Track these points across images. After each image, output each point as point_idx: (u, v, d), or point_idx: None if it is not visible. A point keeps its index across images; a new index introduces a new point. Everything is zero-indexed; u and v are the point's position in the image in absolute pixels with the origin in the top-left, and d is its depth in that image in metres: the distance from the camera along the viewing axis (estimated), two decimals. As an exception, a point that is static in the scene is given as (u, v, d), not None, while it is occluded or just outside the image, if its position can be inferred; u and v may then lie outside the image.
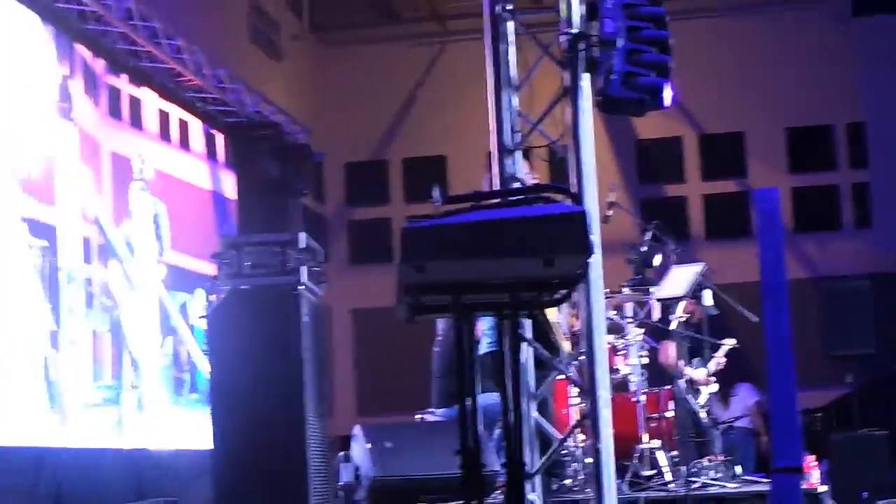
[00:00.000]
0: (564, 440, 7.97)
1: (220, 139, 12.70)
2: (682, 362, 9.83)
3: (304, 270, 7.57)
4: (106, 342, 9.47)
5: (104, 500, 8.86)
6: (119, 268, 9.70)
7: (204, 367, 10.49)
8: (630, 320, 10.87)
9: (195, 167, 11.82)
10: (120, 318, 9.61)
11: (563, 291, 5.39)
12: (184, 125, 11.80)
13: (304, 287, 7.56)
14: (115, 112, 10.38)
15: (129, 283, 9.91)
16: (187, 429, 10.48)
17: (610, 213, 10.99)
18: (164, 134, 11.39)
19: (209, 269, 10.74)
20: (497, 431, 8.95)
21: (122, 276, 9.72)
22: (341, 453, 9.33)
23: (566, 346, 8.91)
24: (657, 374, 11.23)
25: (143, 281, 10.10)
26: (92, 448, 9.24)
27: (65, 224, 9.08)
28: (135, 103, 10.84)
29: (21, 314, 8.37)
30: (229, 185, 12.62)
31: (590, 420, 6.80)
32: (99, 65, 10.17)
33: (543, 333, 8.75)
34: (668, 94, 6.52)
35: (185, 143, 11.81)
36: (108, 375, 9.41)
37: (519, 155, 7.00)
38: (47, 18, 9.31)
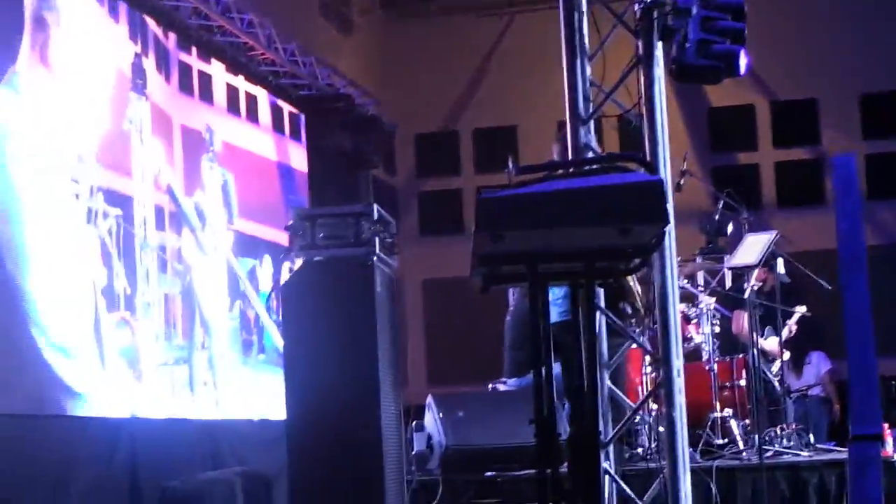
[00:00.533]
0: (638, 409, 7.98)
1: (286, 112, 12.78)
2: (754, 332, 9.77)
3: (377, 241, 7.59)
4: (178, 305, 9.64)
5: (180, 470, 8.94)
6: (190, 235, 9.88)
7: (272, 329, 10.78)
8: (702, 289, 10.85)
9: (261, 139, 11.95)
10: (192, 283, 9.79)
11: (638, 260, 5.38)
12: (251, 98, 11.90)
13: (377, 258, 7.58)
14: (185, 87, 10.52)
15: (200, 250, 10.08)
16: (255, 388, 10.66)
17: (682, 181, 10.95)
18: (233, 107, 11.52)
19: (276, 236, 11.22)
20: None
21: (194, 243, 9.91)
22: (414, 423, 9.38)
23: (643, 312, 8.89)
24: (729, 342, 11.20)
25: (213, 247, 10.27)
26: (167, 418, 9.34)
27: (140, 193, 9.27)
28: (204, 78, 10.96)
29: (97, 278, 8.50)
30: (295, 156, 12.73)
31: (663, 389, 6.79)
32: (170, 41, 10.28)
33: (620, 301, 8.76)
34: (743, 62, 6.48)
35: (252, 116, 11.91)
36: (180, 336, 9.58)
37: (591, 124, 6.98)
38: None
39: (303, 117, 13.23)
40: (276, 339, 10.73)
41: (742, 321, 11.06)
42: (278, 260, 11.13)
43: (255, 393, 10.65)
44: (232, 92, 11.51)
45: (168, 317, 9.46)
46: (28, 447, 7.56)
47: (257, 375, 10.74)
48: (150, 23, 9.90)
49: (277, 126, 12.41)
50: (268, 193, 11.83)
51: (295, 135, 12.85)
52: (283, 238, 11.01)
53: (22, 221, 7.79)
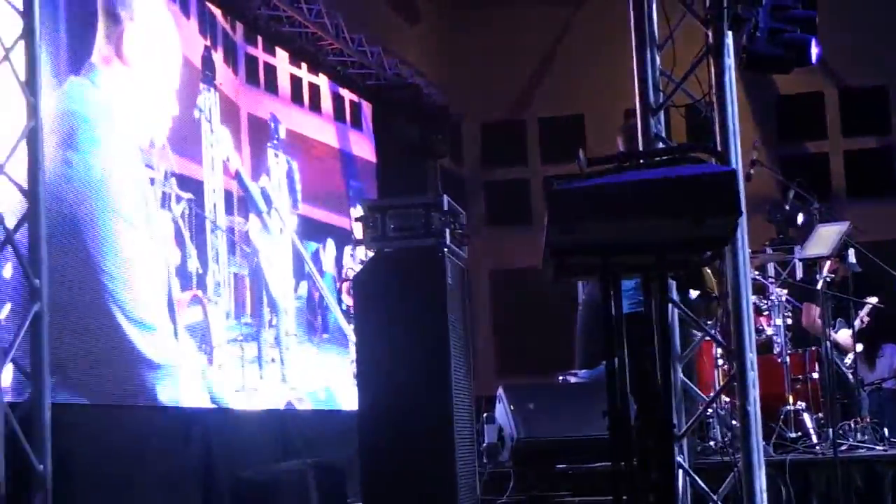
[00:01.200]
0: (712, 402, 7.92)
1: (347, 101, 12.88)
2: (824, 323, 9.68)
3: (447, 232, 7.60)
4: (247, 285, 9.83)
5: (253, 460, 9.00)
6: (257, 218, 10.11)
7: (336, 310, 11.02)
8: (773, 280, 10.75)
9: (324, 127, 12.14)
10: (259, 264, 10.00)
11: (711, 252, 5.35)
12: (314, 88, 12.05)
13: (447, 249, 7.59)
14: (251, 78, 10.75)
15: (267, 232, 10.26)
16: (320, 366, 10.89)
17: (752, 171, 10.85)
18: (296, 97, 11.69)
19: (338, 220, 11.69)
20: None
21: (260, 226, 10.12)
22: (485, 415, 9.38)
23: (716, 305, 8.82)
24: (801, 334, 11.10)
25: (279, 230, 10.47)
26: (240, 409, 9.42)
27: (210, 179, 9.53)
28: (269, 69, 11.18)
29: (171, 259, 8.73)
30: (356, 145, 12.86)
31: (736, 381, 6.73)
32: (238, 34, 10.46)
33: (693, 288, 8.70)
34: (814, 51, 6.40)
35: (314, 105, 12.06)
36: (248, 315, 9.75)
37: (661, 115, 6.92)
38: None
39: (365, 106, 13.32)
40: (340, 320, 11.04)
41: (812, 314, 10.96)
42: (341, 244, 11.48)
43: (319, 370, 10.88)
44: (295, 82, 11.70)
45: (237, 296, 9.65)
46: (106, 436, 7.65)
47: (322, 354, 10.95)
48: (219, 18, 10.09)
49: (339, 115, 12.57)
50: (330, 180, 12.05)
51: (356, 123, 12.99)
52: (344, 223, 11.71)
53: (104, 203, 8.00)
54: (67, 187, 7.64)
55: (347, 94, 12.94)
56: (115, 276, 8.01)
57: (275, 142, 10.90)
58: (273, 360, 10.10)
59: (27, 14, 6.14)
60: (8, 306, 6.64)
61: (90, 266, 7.80)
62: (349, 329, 10.86)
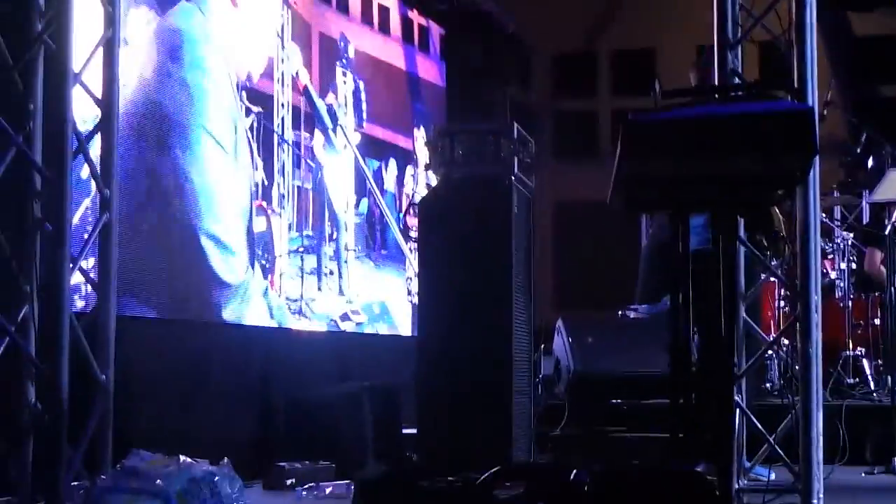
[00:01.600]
0: (774, 343, 7.87)
1: (416, 24, 12.84)
2: (889, 269, 9.58)
3: (515, 161, 7.56)
4: (310, 199, 9.89)
5: (309, 380, 9.05)
6: (321, 135, 10.17)
7: (394, 227, 11.10)
8: (839, 224, 10.67)
9: (392, 49, 12.13)
10: (322, 179, 10.05)
11: (782, 191, 5.29)
12: (383, 10, 12.05)
13: (514, 178, 7.55)
14: (324, -3, 10.78)
15: (332, 148, 10.31)
16: (377, 280, 10.93)
17: (825, 111, 10.72)
18: (366, 18, 11.68)
19: (401, 141, 11.64)
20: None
21: (324, 142, 10.18)
22: (542, 346, 9.37)
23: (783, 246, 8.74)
24: (864, 279, 11.01)
25: (343, 146, 10.52)
26: (299, 329, 9.47)
27: (278, 93, 9.57)
28: (341, -11, 11.22)
29: (240, 169, 8.78)
30: (423, 68, 12.84)
31: (799, 323, 6.67)
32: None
33: (761, 230, 8.62)
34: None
35: (384, 27, 12.06)
36: (310, 227, 9.85)
37: (739, 49, 6.83)
38: None
39: (434, 30, 13.26)
40: (399, 239, 11.11)
41: (875, 259, 10.86)
42: (403, 164, 11.51)
43: (376, 284, 10.93)
44: (366, 3, 11.70)
45: (300, 209, 9.75)
46: (168, 350, 7.73)
47: (379, 270, 11.06)
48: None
49: (407, 37, 12.55)
50: (396, 101, 12.05)
51: (424, 47, 12.97)
52: (408, 144, 11.70)
53: (197, 121, 8.17)
54: (165, 96, 7.83)
55: (417, 18, 12.90)
56: (199, 190, 8.17)
57: (343, 61, 10.93)
58: (331, 272, 10.14)
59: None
60: (81, 213, 6.69)
61: (179, 176, 7.98)
62: (406, 248, 11.06)
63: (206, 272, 8.27)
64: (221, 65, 8.58)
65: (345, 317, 10.30)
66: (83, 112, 6.14)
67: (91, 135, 6.10)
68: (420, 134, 11.88)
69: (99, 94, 6.08)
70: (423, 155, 11.42)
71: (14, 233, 5.80)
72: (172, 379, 7.70)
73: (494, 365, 7.41)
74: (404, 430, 8.61)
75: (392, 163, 11.44)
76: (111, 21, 6.08)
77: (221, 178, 8.42)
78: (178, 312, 7.98)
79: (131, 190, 7.37)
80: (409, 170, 11.66)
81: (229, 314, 8.50)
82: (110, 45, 6.09)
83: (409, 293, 11.19)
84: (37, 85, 5.87)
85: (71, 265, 5.80)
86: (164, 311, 7.81)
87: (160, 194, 7.80)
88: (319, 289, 9.94)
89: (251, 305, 8.80)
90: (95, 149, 6.18)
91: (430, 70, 13.07)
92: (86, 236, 6.16)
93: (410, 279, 11.17)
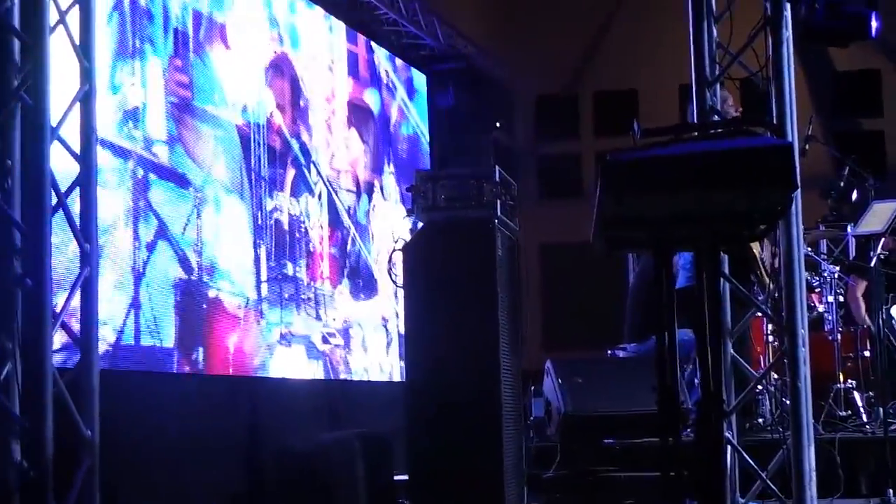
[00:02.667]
0: (762, 378, 7.85)
1: (402, 70, 12.93)
2: (875, 301, 9.57)
3: (498, 204, 7.56)
4: (285, 229, 9.98)
5: (298, 430, 9.02)
6: (294, 170, 10.29)
7: (366, 256, 11.41)
8: (825, 257, 10.67)
9: (369, 93, 12.17)
10: (298, 211, 10.26)
11: (764, 226, 5.28)
12: (366, 55, 12.17)
13: (498, 221, 7.55)
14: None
15: (306, 183, 10.47)
16: (350, 307, 11.02)
17: (807, 146, 10.74)
18: (352, 66, 11.77)
19: (375, 179, 11.90)
20: (689, 368, 8.88)
21: (299, 176, 10.39)
22: (532, 388, 9.34)
23: (768, 281, 8.75)
24: (852, 312, 11.01)
25: (316, 182, 10.64)
26: (286, 378, 9.44)
27: (254, 132, 9.72)
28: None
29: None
30: (400, 110, 12.94)
31: (787, 358, 6.67)
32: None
33: (745, 269, 8.63)
34: (874, 24, 6.32)
35: (361, 71, 12.17)
36: (287, 256, 9.96)
37: (717, 87, 6.85)
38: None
39: (418, 76, 13.35)
40: (371, 266, 11.44)
41: (856, 292, 10.85)
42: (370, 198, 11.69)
43: (350, 310, 11.03)
44: (351, 54, 11.77)
45: (278, 238, 9.88)
46: (152, 401, 7.69)
47: (354, 296, 11.19)
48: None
49: (382, 81, 12.61)
50: (368, 140, 12.07)
51: (403, 91, 13.11)
52: (377, 180, 11.90)
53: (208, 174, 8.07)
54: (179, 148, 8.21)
55: (400, 64, 12.98)
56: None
57: (316, 102, 10.99)
58: (309, 298, 10.20)
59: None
60: (60, 270, 6.67)
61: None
62: (380, 277, 11.29)
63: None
64: (227, 108, 8.90)
65: (324, 339, 10.38)
66: (62, 167, 6.12)
67: (70, 190, 6.08)
68: (389, 170, 12.07)
69: (77, 149, 6.06)
70: (392, 191, 11.87)
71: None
72: (158, 432, 7.65)
73: (483, 409, 7.39)
74: (396, 477, 8.56)
75: (364, 198, 11.53)
76: (88, 75, 6.08)
77: (228, 220, 8.74)
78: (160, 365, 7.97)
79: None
80: (379, 204, 11.81)
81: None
82: (88, 100, 6.09)
83: (384, 319, 11.43)
84: (14, 141, 5.86)
85: (53, 321, 5.76)
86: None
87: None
88: (297, 314, 9.96)
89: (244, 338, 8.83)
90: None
91: (412, 114, 13.13)
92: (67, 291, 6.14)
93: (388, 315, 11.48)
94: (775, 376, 9.14)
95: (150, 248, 8.07)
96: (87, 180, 6.08)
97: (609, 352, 10.06)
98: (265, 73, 9.86)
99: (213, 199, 8.85)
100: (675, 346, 4.98)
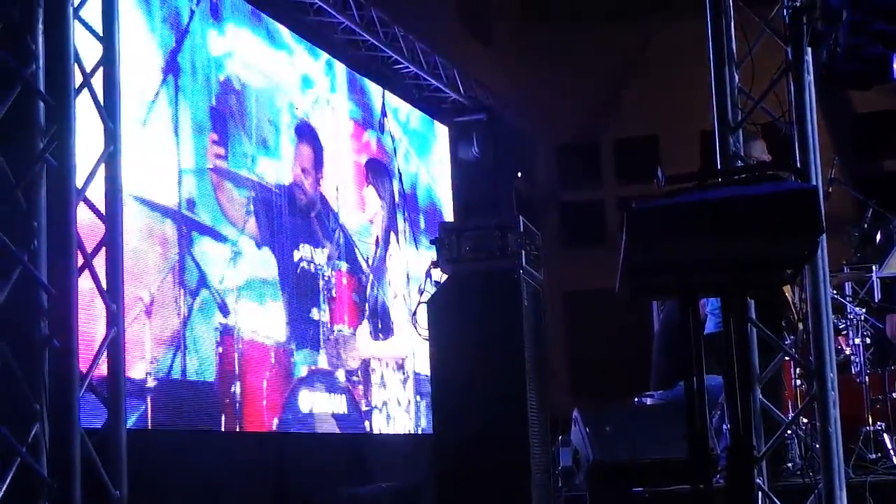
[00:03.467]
0: (792, 423, 7.81)
1: (421, 123, 13.04)
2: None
3: (523, 255, 7.56)
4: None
5: (326, 484, 9.00)
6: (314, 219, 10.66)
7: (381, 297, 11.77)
8: (850, 299, 10.63)
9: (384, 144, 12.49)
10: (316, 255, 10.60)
11: (791, 271, 5.27)
12: (389, 111, 12.35)
13: (523, 271, 7.54)
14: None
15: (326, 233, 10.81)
16: (372, 347, 11.35)
17: (830, 189, 10.73)
18: (370, 125, 11.94)
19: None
20: (717, 414, 8.83)
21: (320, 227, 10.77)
22: (560, 437, 9.31)
23: (801, 326, 8.71)
24: (881, 353, 10.95)
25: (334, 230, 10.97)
26: (313, 433, 9.44)
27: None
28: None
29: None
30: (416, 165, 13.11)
31: (816, 402, 6.63)
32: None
33: (777, 314, 8.59)
34: (896, 67, 6.31)
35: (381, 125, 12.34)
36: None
37: (740, 133, 6.84)
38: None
39: (436, 128, 13.46)
40: (389, 308, 11.83)
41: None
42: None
43: (371, 350, 11.36)
44: (364, 106, 12.02)
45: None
46: (180, 459, 7.68)
47: (376, 338, 11.54)
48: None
49: (405, 139, 12.83)
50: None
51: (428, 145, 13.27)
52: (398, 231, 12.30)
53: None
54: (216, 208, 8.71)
55: (420, 117, 13.10)
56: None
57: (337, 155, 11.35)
58: (331, 339, 10.51)
59: (107, 39, 6.17)
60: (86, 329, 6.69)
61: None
62: (396, 319, 11.78)
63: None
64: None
65: (347, 376, 10.69)
66: (87, 226, 6.15)
67: (96, 250, 6.10)
68: (404, 218, 12.45)
69: (102, 209, 6.08)
70: (407, 237, 12.33)
71: (22, 351, 5.78)
72: (187, 489, 7.64)
73: (512, 459, 7.37)
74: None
75: (381, 246, 11.85)
76: (112, 136, 6.10)
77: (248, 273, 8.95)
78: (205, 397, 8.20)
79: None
80: (395, 252, 12.13)
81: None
82: (113, 160, 6.11)
83: (401, 358, 11.85)
84: (40, 202, 5.88)
85: (80, 382, 5.77)
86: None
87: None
88: (322, 353, 10.34)
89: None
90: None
91: (424, 165, 13.26)
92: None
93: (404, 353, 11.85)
94: (804, 420, 9.09)
95: (194, 295, 8.64)
96: (112, 240, 6.10)
97: (636, 399, 10.02)
98: (293, 136, 10.30)
99: (246, 251, 9.32)
100: (703, 392, 4.96)
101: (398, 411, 11.58)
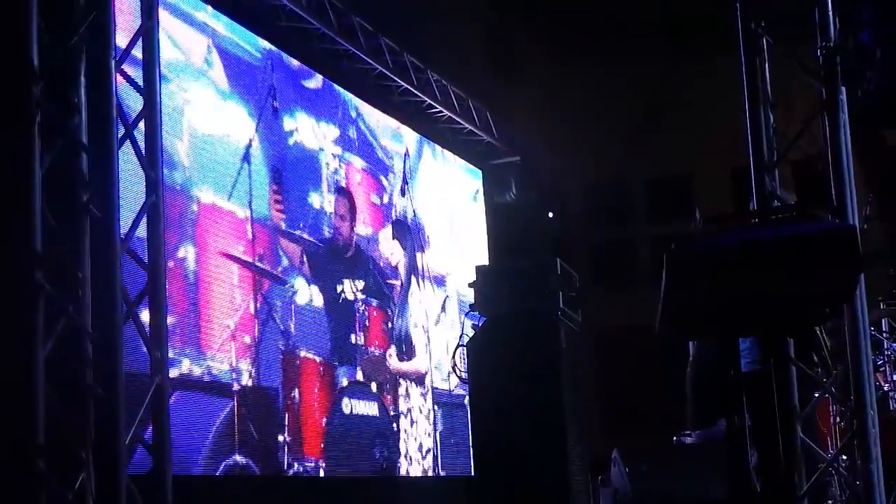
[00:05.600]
0: (834, 460, 7.79)
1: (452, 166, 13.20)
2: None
3: (560, 296, 7.59)
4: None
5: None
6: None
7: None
8: (887, 335, 10.61)
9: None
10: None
11: (829, 309, 5.29)
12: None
13: (561, 312, 7.57)
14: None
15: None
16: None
17: (865, 226, 10.71)
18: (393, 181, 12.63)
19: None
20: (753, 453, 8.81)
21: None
22: (599, 478, 9.30)
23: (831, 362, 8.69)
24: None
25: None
26: (350, 477, 9.50)
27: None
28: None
29: None
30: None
31: (857, 440, 6.61)
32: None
33: (807, 350, 8.57)
34: (930, 104, 6.32)
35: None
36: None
37: (777, 172, 6.85)
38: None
39: (469, 171, 13.61)
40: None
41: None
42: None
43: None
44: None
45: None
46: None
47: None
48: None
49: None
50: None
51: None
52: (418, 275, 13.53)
53: None
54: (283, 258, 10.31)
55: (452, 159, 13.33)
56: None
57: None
58: (366, 358, 11.99)
59: (149, 91, 6.25)
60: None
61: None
62: (417, 344, 13.10)
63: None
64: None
65: (379, 387, 12.12)
66: (131, 274, 6.21)
67: (138, 298, 6.16)
68: (424, 262, 13.55)
69: (145, 259, 6.14)
70: (426, 279, 13.42)
71: (68, 399, 5.82)
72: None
73: (553, 501, 7.37)
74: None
75: (404, 286, 13.14)
76: (154, 186, 6.17)
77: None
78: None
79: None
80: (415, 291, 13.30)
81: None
82: (155, 210, 6.17)
83: (422, 374, 13.15)
84: (84, 253, 5.94)
85: (126, 430, 5.81)
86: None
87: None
88: (359, 368, 11.81)
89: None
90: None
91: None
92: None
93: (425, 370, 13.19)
94: (843, 457, 9.06)
95: (264, 324, 10.07)
96: (155, 289, 6.15)
97: (675, 438, 9.99)
98: (333, 194, 11.55)
99: (301, 289, 10.75)
100: (744, 431, 4.98)
101: (420, 417, 12.80)
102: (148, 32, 6.25)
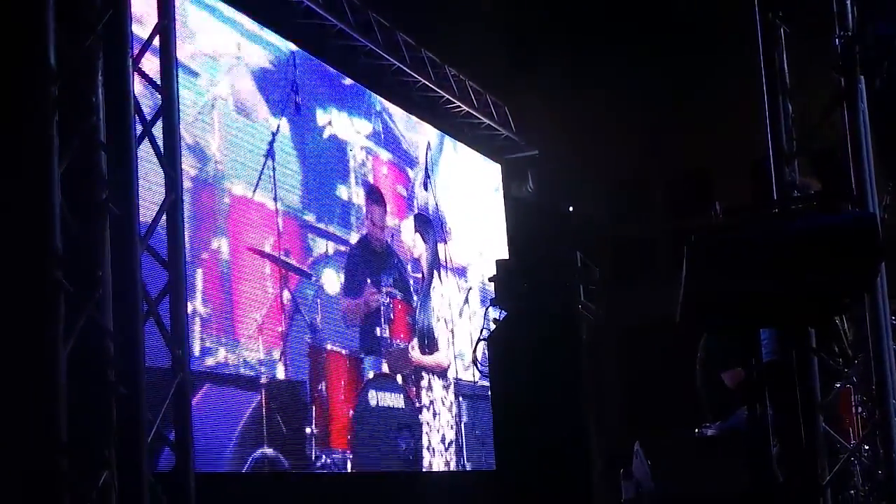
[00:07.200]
0: (856, 450, 7.77)
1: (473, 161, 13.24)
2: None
3: (581, 289, 7.58)
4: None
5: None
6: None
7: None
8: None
9: None
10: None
11: (850, 298, 5.27)
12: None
13: (582, 306, 7.56)
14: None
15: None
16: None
17: (885, 216, 10.65)
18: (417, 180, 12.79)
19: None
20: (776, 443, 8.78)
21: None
22: (622, 471, 9.27)
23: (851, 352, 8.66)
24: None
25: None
26: (376, 472, 9.50)
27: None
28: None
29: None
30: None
31: (879, 430, 6.60)
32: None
33: (828, 340, 8.54)
34: (949, 92, 6.30)
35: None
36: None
37: (796, 163, 6.83)
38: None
39: (488, 166, 13.61)
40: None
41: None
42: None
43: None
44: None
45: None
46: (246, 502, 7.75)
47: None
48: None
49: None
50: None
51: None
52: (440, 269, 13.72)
53: None
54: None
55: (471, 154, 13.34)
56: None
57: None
58: (391, 351, 12.30)
59: (166, 89, 6.25)
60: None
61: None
62: (439, 337, 13.38)
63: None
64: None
65: (403, 379, 12.47)
66: (151, 274, 6.22)
67: (160, 297, 6.16)
68: (446, 254, 13.78)
69: (165, 257, 6.15)
70: (448, 273, 13.63)
71: (90, 398, 5.83)
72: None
73: (574, 495, 7.37)
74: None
75: (426, 280, 13.40)
76: (173, 184, 6.17)
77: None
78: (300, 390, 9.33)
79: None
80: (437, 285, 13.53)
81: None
82: (174, 208, 6.17)
83: (444, 367, 13.45)
84: (105, 251, 5.93)
85: (148, 428, 5.82)
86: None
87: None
88: (385, 360, 12.19)
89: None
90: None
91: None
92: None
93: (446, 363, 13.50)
94: (866, 446, 9.02)
95: (291, 317, 10.40)
96: (176, 288, 6.15)
97: (697, 430, 9.96)
98: (361, 187, 11.85)
99: (327, 285, 11.10)
100: (766, 420, 4.97)
101: (443, 409, 13.08)
102: (164, 30, 6.26)
